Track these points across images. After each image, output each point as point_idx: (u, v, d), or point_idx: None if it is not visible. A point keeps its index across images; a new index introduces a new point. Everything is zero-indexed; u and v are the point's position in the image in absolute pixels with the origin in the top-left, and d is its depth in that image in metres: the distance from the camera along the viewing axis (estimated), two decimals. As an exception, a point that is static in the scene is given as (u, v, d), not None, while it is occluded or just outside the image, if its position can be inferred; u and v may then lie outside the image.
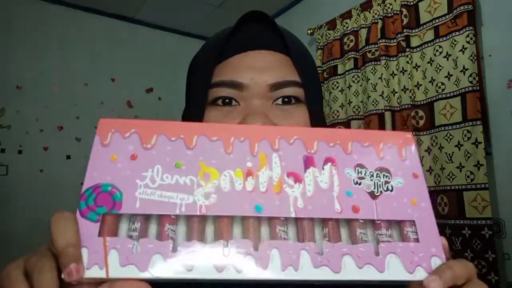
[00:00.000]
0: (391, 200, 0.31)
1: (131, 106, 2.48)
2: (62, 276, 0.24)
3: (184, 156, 0.31)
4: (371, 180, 0.32)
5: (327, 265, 0.28)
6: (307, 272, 0.28)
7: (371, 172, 0.32)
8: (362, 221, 0.30)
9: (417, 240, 0.30)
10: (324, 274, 0.28)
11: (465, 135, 1.41)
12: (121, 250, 0.27)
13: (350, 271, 0.28)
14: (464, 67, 1.43)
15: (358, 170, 0.32)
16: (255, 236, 0.29)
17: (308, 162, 0.32)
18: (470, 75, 1.41)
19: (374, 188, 0.32)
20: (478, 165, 1.36)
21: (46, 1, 2.23)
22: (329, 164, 0.32)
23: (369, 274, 0.29)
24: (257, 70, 0.42)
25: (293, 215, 0.30)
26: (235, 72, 0.42)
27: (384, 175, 0.32)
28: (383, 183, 0.32)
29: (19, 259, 0.27)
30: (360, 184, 0.32)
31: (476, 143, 1.38)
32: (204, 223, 0.29)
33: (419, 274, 0.29)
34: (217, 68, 0.43)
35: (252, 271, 0.27)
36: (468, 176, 1.40)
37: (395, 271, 0.29)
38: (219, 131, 0.32)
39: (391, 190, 0.32)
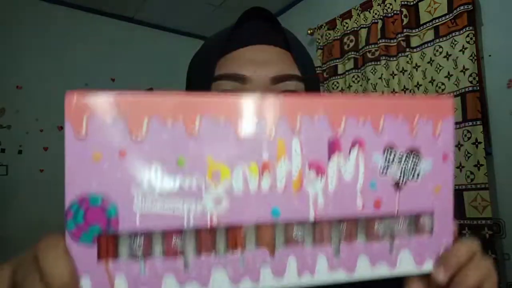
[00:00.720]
0: (415, 190, 0.29)
1: (131, 106, 2.48)
2: None
3: (187, 149, 0.25)
4: (399, 166, 0.29)
5: (342, 267, 0.28)
6: (323, 275, 0.28)
7: (400, 154, 0.29)
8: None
9: (431, 231, 0.29)
10: (339, 276, 0.28)
11: (465, 135, 1.41)
12: (128, 275, 0.24)
13: (364, 270, 0.28)
14: (464, 67, 1.43)
15: (387, 152, 0.28)
16: (270, 243, 0.27)
17: (333, 147, 0.27)
18: (470, 75, 1.41)
19: (400, 177, 0.29)
20: (478, 165, 1.36)
21: (46, 1, 2.23)
22: (357, 147, 0.28)
23: (381, 271, 0.28)
24: (259, 63, 0.43)
25: (312, 217, 0.27)
26: (237, 66, 0.43)
27: (413, 157, 0.29)
28: (410, 169, 0.29)
29: (5, 269, 0.25)
30: (386, 173, 0.28)
31: (476, 143, 1.38)
32: (215, 233, 0.26)
33: (427, 266, 0.29)
34: (220, 62, 0.44)
35: (268, 280, 0.27)
36: (468, 176, 1.40)
37: (405, 266, 0.29)
38: (228, 109, 0.26)
39: (417, 178, 0.29)
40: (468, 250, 0.29)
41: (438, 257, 0.29)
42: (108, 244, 0.24)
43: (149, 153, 0.24)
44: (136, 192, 0.24)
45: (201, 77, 0.45)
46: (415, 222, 0.29)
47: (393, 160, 0.29)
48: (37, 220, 2.05)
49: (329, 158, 0.27)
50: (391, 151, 0.29)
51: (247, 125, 0.26)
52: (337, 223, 0.28)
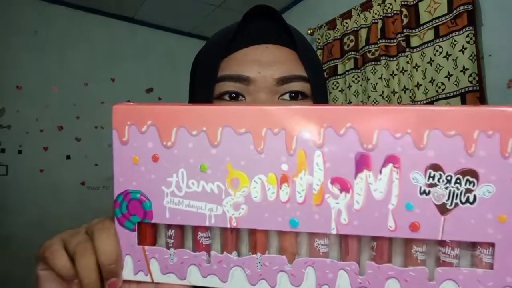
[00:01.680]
0: (468, 216, 0.24)
1: (131, 106, 2.47)
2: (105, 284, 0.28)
3: (209, 157, 0.27)
4: (446, 188, 0.24)
5: (367, 287, 0.26)
6: None
7: (448, 176, 0.24)
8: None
9: (490, 266, 0.24)
10: None
11: (465, 135, 1.41)
12: (160, 260, 0.29)
13: None
14: (464, 67, 1.43)
15: (430, 173, 0.24)
16: (291, 252, 0.27)
17: (361, 163, 0.25)
18: (470, 75, 1.41)
19: (448, 199, 0.24)
20: (478, 165, 1.36)
21: (46, 1, 2.23)
22: (390, 165, 0.25)
23: None
24: (264, 64, 0.42)
25: (334, 232, 0.26)
26: (241, 66, 0.42)
27: (467, 180, 0.24)
28: (463, 193, 0.24)
29: (58, 236, 0.29)
30: (428, 193, 0.24)
31: (476, 143, 1.37)
32: (238, 235, 0.28)
33: None
34: (223, 62, 0.43)
35: (285, 286, 0.27)
36: (468, 176, 1.39)
37: None
38: (248, 119, 0.26)
39: (472, 202, 0.24)
40: None
41: None
42: (146, 232, 0.29)
43: (177, 159, 0.28)
44: (166, 191, 0.28)
45: (205, 78, 0.44)
46: (469, 249, 0.26)
47: (439, 180, 0.24)
48: (37, 220, 2.05)
49: (356, 174, 0.25)
50: (435, 173, 0.24)
51: (266, 137, 0.26)
52: (368, 241, 0.27)
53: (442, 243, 0.25)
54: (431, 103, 1.56)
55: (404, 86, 1.65)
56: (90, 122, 2.29)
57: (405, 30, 1.65)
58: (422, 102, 1.60)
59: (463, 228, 0.24)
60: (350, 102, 1.90)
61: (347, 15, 1.97)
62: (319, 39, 2.10)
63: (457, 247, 0.25)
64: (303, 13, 2.33)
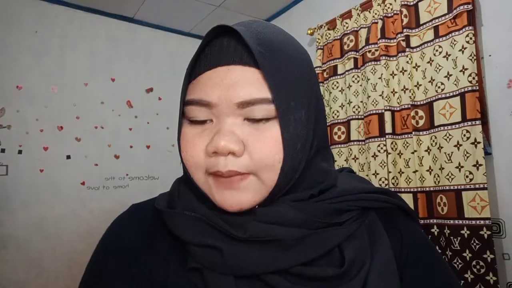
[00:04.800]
0: None
1: (131, 106, 2.48)
2: None
3: None
4: None
5: None
6: None
7: None
8: None
9: None
10: None
11: (464, 135, 1.41)
12: None
13: None
14: (463, 67, 1.43)
15: None
16: None
17: None
18: (470, 75, 1.41)
19: None
20: (477, 165, 1.36)
21: (46, 1, 2.23)
22: None
23: None
24: (226, 87, 0.41)
25: None
26: (204, 90, 0.42)
27: None
28: None
29: None
30: None
31: (475, 143, 1.38)
32: None
33: None
34: (192, 85, 0.44)
35: None
36: (467, 176, 1.40)
37: None
38: None
39: None
40: None
41: None
42: None
43: None
44: None
45: (180, 98, 0.46)
46: None
47: None
48: (37, 220, 2.05)
49: None
50: None
51: None
52: None
53: None
54: (430, 103, 1.56)
55: (404, 86, 1.65)
56: (90, 122, 2.29)
57: (405, 30, 1.65)
58: (421, 102, 1.60)
59: None
60: (350, 102, 1.90)
61: (347, 15, 1.97)
62: (319, 39, 2.10)
63: None
64: (303, 13, 2.33)
